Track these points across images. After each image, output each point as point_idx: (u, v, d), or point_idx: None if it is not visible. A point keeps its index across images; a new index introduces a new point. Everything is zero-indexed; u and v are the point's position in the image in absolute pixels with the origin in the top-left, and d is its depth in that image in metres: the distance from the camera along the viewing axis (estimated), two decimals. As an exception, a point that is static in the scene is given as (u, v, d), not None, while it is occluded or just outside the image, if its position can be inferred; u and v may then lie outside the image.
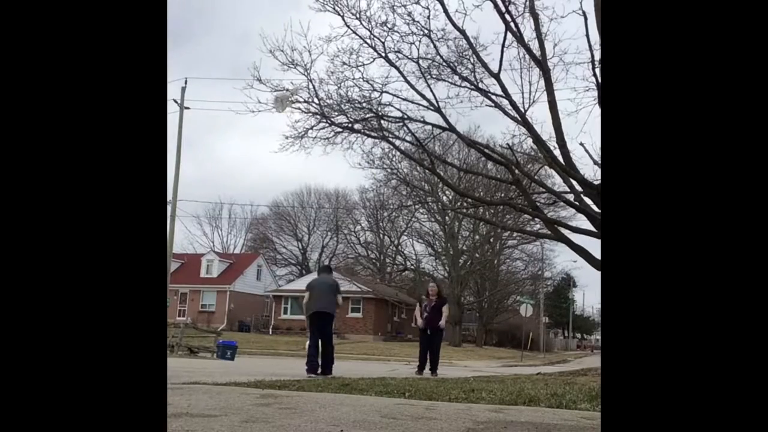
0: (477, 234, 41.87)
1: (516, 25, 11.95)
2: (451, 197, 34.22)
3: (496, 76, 12.34)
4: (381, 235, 50.32)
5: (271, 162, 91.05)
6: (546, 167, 14.26)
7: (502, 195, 24.52)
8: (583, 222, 13.82)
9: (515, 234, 37.68)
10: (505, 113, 12.58)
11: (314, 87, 12.91)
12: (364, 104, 13.15)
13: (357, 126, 13.35)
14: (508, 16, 11.83)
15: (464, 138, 15.19)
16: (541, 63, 11.89)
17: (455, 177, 29.74)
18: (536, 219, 19.05)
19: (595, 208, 11.83)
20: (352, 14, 12.49)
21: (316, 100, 12.99)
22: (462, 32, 12.22)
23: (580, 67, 12.91)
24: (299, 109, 13.04)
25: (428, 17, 12.21)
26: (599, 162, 11.71)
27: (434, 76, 12.94)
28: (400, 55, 12.74)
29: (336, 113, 13.18)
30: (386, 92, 13.06)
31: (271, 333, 38.61)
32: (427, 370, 11.04)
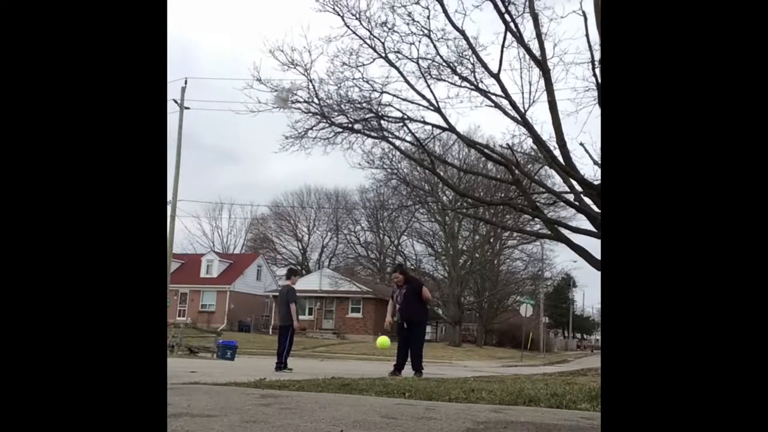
0: (477, 234, 41.85)
1: (516, 25, 11.96)
2: (451, 197, 34.17)
3: (496, 77, 12.34)
4: (381, 235, 50.33)
5: (271, 161, 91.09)
6: (546, 167, 14.26)
7: (502, 195, 24.47)
8: (583, 222, 13.82)
9: (515, 234, 37.66)
10: (505, 113, 12.58)
11: (314, 87, 12.91)
12: (364, 104, 13.14)
13: (357, 126, 13.34)
14: (507, 17, 11.83)
15: (464, 138, 15.19)
16: (541, 63, 11.89)
17: (455, 177, 29.72)
18: (536, 219, 19.05)
19: (595, 208, 11.83)
20: (352, 14, 12.49)
21: (316, 100, 12.98)
22: (462, 32, 12.22)
23: (580, 67, 12.93)
24: (299, 109, 13.04)
25: (428, 17, 12.21)
26: (599, 162, 11.71)
27: (434, 77, 12.94)
28: (400, 56, 12.73)
29: (336, 113, 13.18)
30: (386, 92, 13.06)
31: (271, 333, 38.59)
32: (409, 370, 9.17)
